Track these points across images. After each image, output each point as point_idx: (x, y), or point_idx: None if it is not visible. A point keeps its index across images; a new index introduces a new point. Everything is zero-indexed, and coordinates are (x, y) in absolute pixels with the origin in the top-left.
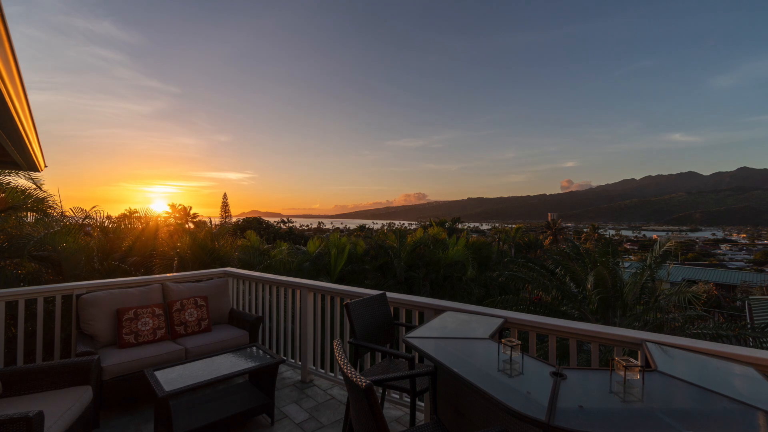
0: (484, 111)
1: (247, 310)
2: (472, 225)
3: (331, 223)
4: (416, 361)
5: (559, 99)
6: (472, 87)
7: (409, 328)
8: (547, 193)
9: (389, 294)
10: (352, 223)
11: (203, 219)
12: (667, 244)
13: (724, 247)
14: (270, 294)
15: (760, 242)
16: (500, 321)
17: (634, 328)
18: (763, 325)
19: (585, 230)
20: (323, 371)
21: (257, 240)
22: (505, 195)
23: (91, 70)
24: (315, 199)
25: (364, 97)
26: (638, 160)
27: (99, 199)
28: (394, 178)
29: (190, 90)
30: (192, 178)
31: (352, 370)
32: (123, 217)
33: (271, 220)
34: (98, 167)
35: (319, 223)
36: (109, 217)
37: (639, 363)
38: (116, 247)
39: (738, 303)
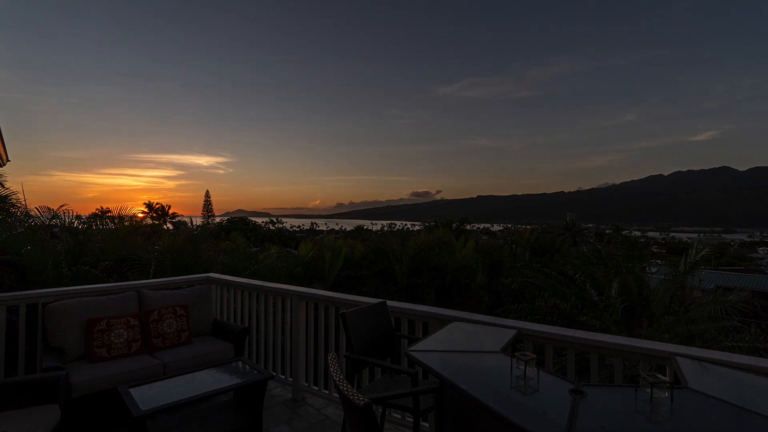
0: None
1: (231, 321)
2: (481, 226)
3: (326, 223)
4: (420, 377)
5: None
6: None
7: (412, 340)
8: (565, 191)
9: (390, 302)
10: (349, 224)
11: (183, 218)
12: (704, 251)
13: (762, 250)
14: (257, 302)
15: None
16: (513, 332)
17: (662, 340)
18: None
19: (608, 231)
20: (317, 388)
21: (243, 242)
22: (518, 193)
23: None
24: (315, 194)
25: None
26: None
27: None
28: (406, 167)
29: None
30: (147, 165)
31: (349, 387)
32: (94, 217)
33: (259, 220)
34: None
35: (312, 223)
36: (78, 217)
37: (667, 379)
38: (87, 250)
39: None
